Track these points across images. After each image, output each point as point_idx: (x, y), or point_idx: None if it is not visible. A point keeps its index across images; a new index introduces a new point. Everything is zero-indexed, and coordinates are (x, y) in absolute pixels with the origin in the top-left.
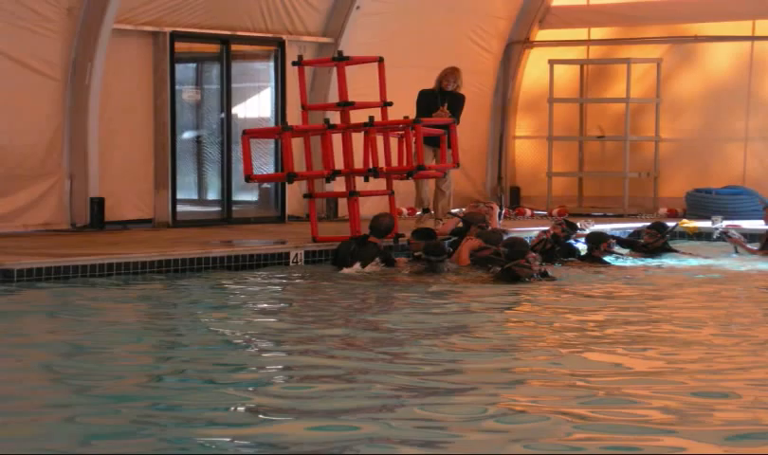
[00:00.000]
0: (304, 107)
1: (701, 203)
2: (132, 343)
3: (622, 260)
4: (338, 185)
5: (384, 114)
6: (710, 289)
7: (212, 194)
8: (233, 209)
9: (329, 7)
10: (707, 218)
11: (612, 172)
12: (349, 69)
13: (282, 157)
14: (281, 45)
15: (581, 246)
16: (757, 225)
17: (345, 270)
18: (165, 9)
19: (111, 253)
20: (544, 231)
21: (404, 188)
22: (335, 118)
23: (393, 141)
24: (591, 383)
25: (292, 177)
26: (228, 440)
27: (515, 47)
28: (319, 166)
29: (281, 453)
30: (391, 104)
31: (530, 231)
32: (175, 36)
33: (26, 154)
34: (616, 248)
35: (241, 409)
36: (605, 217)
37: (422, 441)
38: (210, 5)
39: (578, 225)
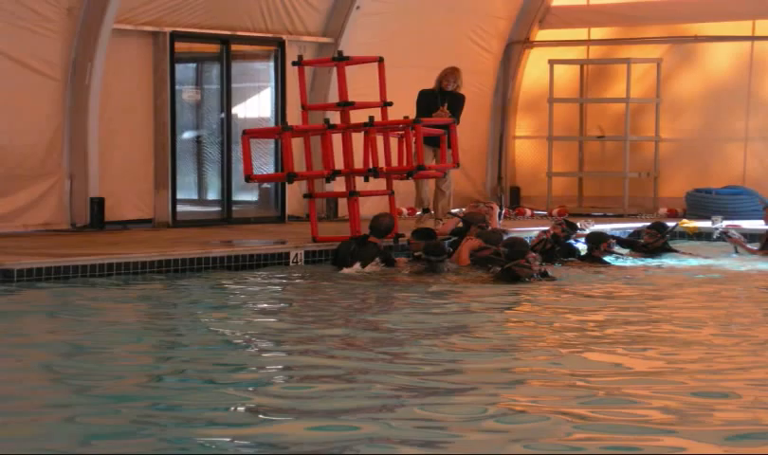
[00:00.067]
0: (304, 107)
1: (701, 203)
2: (132, 343)
3: (622, 260)
4: (338, 185)
5: (384, 114)
6: (710, 289)
7: (212, 194)
8: (233, 209)
9: (329, 7)
10: (707, 218)
11: (612, 172)
12: (349, 69)
13: (282, 157)
14: (281, 45)
15: (581, 246)
16: (757, 225)
17: (345, 270)
18: (165, 9)
19: (111, 253)
20: (544, 231)
21: (404, 188)
22: (335, 118)
23: (393, 141)
24: (591, 383)
25: (292, 177)
26: (228, 440)
27: (515, 47)
28: (319, 166)
29: (281, 453)
30: (391, 104)
31: (530, 231)
32: (175, 36)
33: (26, 154)
34: (616, 248)
35: (241, 409)
36: (605, 217)
37: (422, 441)
38: (210, 5)
39: (578, 225)
